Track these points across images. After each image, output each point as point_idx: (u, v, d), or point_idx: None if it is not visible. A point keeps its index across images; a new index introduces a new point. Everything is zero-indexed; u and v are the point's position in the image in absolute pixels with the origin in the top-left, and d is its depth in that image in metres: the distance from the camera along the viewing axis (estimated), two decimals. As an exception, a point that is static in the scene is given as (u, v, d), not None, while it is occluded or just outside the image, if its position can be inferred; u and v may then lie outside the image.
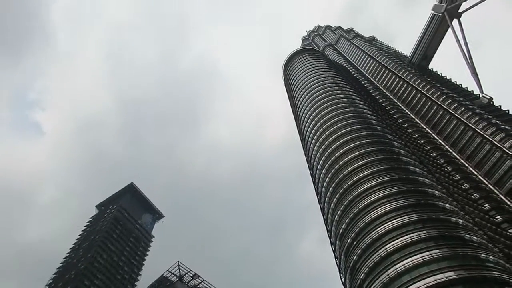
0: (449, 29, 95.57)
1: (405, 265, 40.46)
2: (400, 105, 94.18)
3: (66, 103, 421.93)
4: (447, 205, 48.60)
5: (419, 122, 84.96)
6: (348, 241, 50.21)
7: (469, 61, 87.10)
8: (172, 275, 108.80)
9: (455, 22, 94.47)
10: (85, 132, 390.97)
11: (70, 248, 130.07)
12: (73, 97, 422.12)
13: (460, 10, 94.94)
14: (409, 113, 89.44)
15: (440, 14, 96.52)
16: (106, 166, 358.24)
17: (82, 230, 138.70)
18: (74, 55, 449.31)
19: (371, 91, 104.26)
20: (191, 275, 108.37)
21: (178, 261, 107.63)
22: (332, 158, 64.13)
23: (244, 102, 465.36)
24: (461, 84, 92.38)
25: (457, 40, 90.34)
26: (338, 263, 55.83)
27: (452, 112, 75.87)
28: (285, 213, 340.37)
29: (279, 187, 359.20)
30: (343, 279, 52.96)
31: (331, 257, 59.92)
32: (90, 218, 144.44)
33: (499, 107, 78.04)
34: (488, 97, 79.76)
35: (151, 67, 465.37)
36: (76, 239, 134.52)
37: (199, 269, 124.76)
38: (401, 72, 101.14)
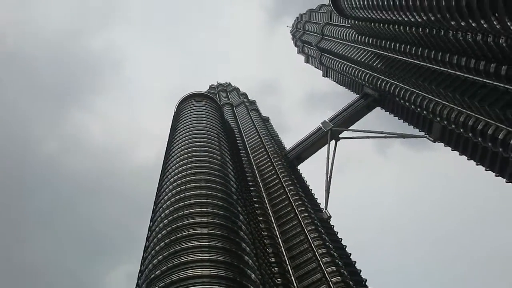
0: (326, 146, 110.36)
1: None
2: (261, 185, 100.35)
3: None
4: (257, 291, 51.08)
5: (268, 208, 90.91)
6: (154, 289, 48.36)
7: (328, 179, 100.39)
8: None
9: (332, 142, 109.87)
10: None
11: None
12: None
13: (340, 136, 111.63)
14: (264, 196, 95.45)
15: (325, 131, 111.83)
16: None
17: None
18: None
19: (244, 161, 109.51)
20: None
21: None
22: (180, 204, 63.45)
23: (129, 113, 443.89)
24: (314, 194, 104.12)
25: (328, 158, 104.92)
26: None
27: (297, 212, 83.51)
28: (115, 235, 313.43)
29: (123, 208, 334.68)
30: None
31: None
32: None
33: (332, 226, 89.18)
34: (328, 215, 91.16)
35: (57, 31, 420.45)
36: None
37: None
38: (274, 159, 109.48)
